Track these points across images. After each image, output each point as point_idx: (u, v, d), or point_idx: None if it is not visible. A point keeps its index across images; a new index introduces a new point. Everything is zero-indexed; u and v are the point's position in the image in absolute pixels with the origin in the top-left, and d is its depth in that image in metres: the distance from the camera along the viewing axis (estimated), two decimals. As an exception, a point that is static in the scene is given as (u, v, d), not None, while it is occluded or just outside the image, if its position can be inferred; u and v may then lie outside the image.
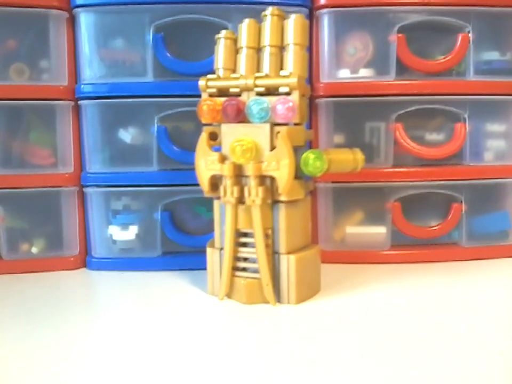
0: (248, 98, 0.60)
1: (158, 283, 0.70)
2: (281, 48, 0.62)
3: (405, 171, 0.76)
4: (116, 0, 0.72)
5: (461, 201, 0.77)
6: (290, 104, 0.58)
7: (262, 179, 0.59)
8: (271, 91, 0.60)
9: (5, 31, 0.73)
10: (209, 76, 0.63)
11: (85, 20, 0.73)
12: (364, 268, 0.74)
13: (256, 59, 0.63)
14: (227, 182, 0.60)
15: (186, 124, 0.76)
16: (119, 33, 0.74)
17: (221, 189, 0.61)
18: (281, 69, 0.61)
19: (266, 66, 0.62)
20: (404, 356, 0.47)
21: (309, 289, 0.62)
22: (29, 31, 0.73)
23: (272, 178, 0.59)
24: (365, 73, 0.76)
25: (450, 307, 0.59)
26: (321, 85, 0.76)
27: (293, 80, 0.58)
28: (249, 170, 0.59)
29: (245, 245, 0.62)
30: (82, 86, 0.74)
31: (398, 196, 0.77)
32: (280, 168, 0.58)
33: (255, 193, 0.59)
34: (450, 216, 0.77)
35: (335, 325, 0.54)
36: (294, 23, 0.61)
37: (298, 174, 0.60)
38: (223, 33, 0.64)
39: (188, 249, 0.76)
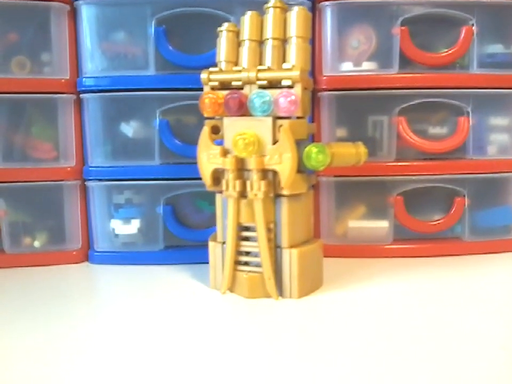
0: (251, 92, 0.60)
1: (160, 277, 0.70)
2: (284, 40, 0.62)
3: (407, 165, 0.76)
4: (118, -7, 0.72)
5: (464, 196, 0.77)
6: (293, 97, 0.58)
7: (264, 173, 0.59)
8: (273, 84, 0.59)
9: (6, 24, 0.73)
10: (211, 69, 0.62)
11: (87, 12, 0.73)
12: (366, 262, 0.74)
13: (259, 52, 0.63)
14: (229, 176, 0.60)
15: (188, 117, 0.76)
16: (120, 26, 0.73)
17: (223, 182, 0.60)
18: (284, 61, 0.61)
19: (268, 59, 0.61)
20: (406, 350, 0.47)
21: (311, 283, 0.62)
22: (30, 24, 0.73)
23: (275, 172, 0.59)
24: (368, 66, 0.75)
25: (452, 301, 0.59)
26: (324, 78, 0.76)
27: (296, 73, 0.58)
28: (252, 164, 0.58)
29: (247, 239, 0.62)
30: (84, 79, 0.74)
31: (400, 190, 0.76)
32: (283, 161, 0.58)
33: (257, 187, 0.58)
34: (453, 211, 0.77)
35: (337, 319, 0.54)
36: (296, 15, 0.61)
37: (301, 168, 0.60)
38: (225, 26, 0.64)
39: (190, 243, 0.76)
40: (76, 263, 0.77)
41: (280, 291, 0.61)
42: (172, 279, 0.69)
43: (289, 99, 0.58)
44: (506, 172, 0.78)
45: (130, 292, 0.64)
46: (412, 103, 0.75)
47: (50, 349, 0.48)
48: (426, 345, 0.47)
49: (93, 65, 0.74)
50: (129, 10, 0.72)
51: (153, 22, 0.72)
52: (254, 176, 0.59)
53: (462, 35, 0.74)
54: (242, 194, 0.60)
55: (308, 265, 0.61)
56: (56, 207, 0.77)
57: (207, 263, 0.65)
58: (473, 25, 0.75)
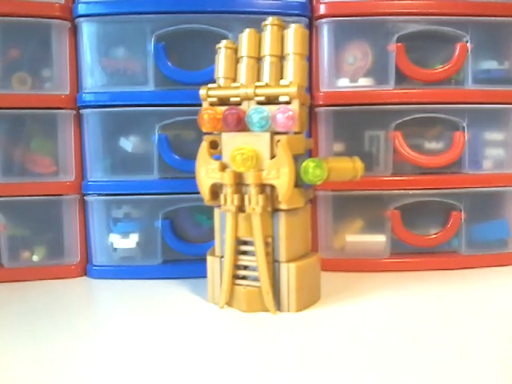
0: (249, 107, 0.61)
1: (158, 291, 0.70)
2: (281, 57, 0.63)
3: (404, 179, 0.77)
4: (118, 10, 0.72)
5: (460, 210, 0.78)
6: (290, 113, 0.59)
7: (262, 187, 0.60)
8: (271, 100, 0.60)
9: (8, 41, 0.74)
10: (210, 85, 0.63)
11: (87, 29, 0.74)
12: (363, 276, 0.74)
13: (257, 68, 0.64)
14: (227, 190, 0.60)
15: (187, 132, 0.76)
16: (120, 42, 0.74)
17: (222, 197, 0.61)
18: (281, 78, 0.62)
19: (266, 76, 0.62)
20: (403, 364, 0.47)
21: (309, 297, 0.63)
22: (31, 40, 0.74)
23: (272, 187, 0.60)
24: (364, 82, 0.76)
25: (449, 315, 0.59)
26: (321, 93, 0.77)
27: (293, 89, 0.59)
28: (250, 178, 0.59)
29: (245, 253, 0.62)
30: (83, 94, 0.75)
31: (397, 204, 0.77)
32: (280, 176, 0.59)
33: (255, 202, 0.59)
34: (449, 224, 0.78)
35: (335, 333, 0.54)
36: (293, 32, 0.62)
37: (298, 182, 0.60)
38: (224, 42, 0.65)
39: (188, 257, 0.77)
40: (74, 277, 0.77)
41: (278, 305, 0.61)
42: (170, 293, 0.69)
43: (286, 115, 0.59)
44: (502, 186, 0.79)
45: (128, 306, 0.64)
46: (408, 118, 0.76)
47: (49, 364, 0.48)
48: (424, 358, 0.48)
49: (93, 81, 0.75)
50: (129, 27, 0.73)
51: (152, 39, 0.73)
52: (252, 191, 0.59)
53: (457, 51, 0.76)
54: (240, 208, 0.60)
55: (305, 279, 0.62)
56: (55, 221, 0.77)
57: (205, 277, 0.65)
58: (467, 42, 0.76)
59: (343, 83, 0.77)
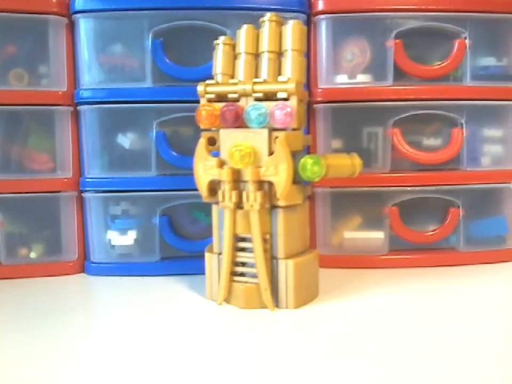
0: (247, 104, 0.60)
1: (156, 288, 0.70)
2: (279, 54, 0.63)
3: (402, 176, 0.77)
4: (115, 6, 0.72)
5: (458, 206, 0.78)
6: (288, 109, 0.58)
7: (260, 184, 0.60)
8: (269, 96, 0.60)
9: (5, 37, 0.73)
10: (207, 82, 0.63)
11: (84, 25, 0.74)
12: (361, 273, 0.75)
13: (255, 65, 0.63)
14: (225, 187, 0.60)
15: (184, 129, 0.76)
16: (118, 38, 0.74)
17: (220, 193, 0.61)
18: (279, 74, 0.62)
19: (264, 72, 0.62)
20: (402, 361, 0.47)
21: (307, 294, 0.63)
22: (28, 36, 0.74)
23: (270, 183, 0.60)
24: (362, 78, 0.76)
25: (447, 312, 0.59)
26: (319, 90, 0.76)
27: (291, 86, 0.59)
28: (248, 175, 0.59)
29: (243, 249, 0.62)
30: (81, 91, 0.74)
31: (395, 201, 0.77)
32: (278, 173, 0.59)
33: (253, 198, 0.59)
34: (447, 221, 0.78)
35: (333, 330, 0.54)
36: (292, 29, 0.62)
37: (296, 179, 0.60)
38: (222, 39, 0.65)
39: (186, 254, 0.77)
40: (72, 274, 0.77)
41: (276, 302, 0.61)
42: (168, 290, 0.69)
43: (284, 111, 0.58)
44: (500, 183, 0.79)
45: (126, 303, 0.64)
46: (406, 114, 0.76)
47: (46, 361, 0.48)
48: (423, 355, 0.48)
49: (90, 77, 0.74)
50: (127, 23, 0.73)
51: (150, 35, 0.73)
52: (250, 187, 0.59)
53: (455, 48, 0.75)
54: (239, 205, 0.60)
55: (303, 275, 0.62)
56: (53, 218, 0.77)
57: (203, 274, 0.65)
58: (466, 38, 0.76)
59: (341, 79, 0.76)
